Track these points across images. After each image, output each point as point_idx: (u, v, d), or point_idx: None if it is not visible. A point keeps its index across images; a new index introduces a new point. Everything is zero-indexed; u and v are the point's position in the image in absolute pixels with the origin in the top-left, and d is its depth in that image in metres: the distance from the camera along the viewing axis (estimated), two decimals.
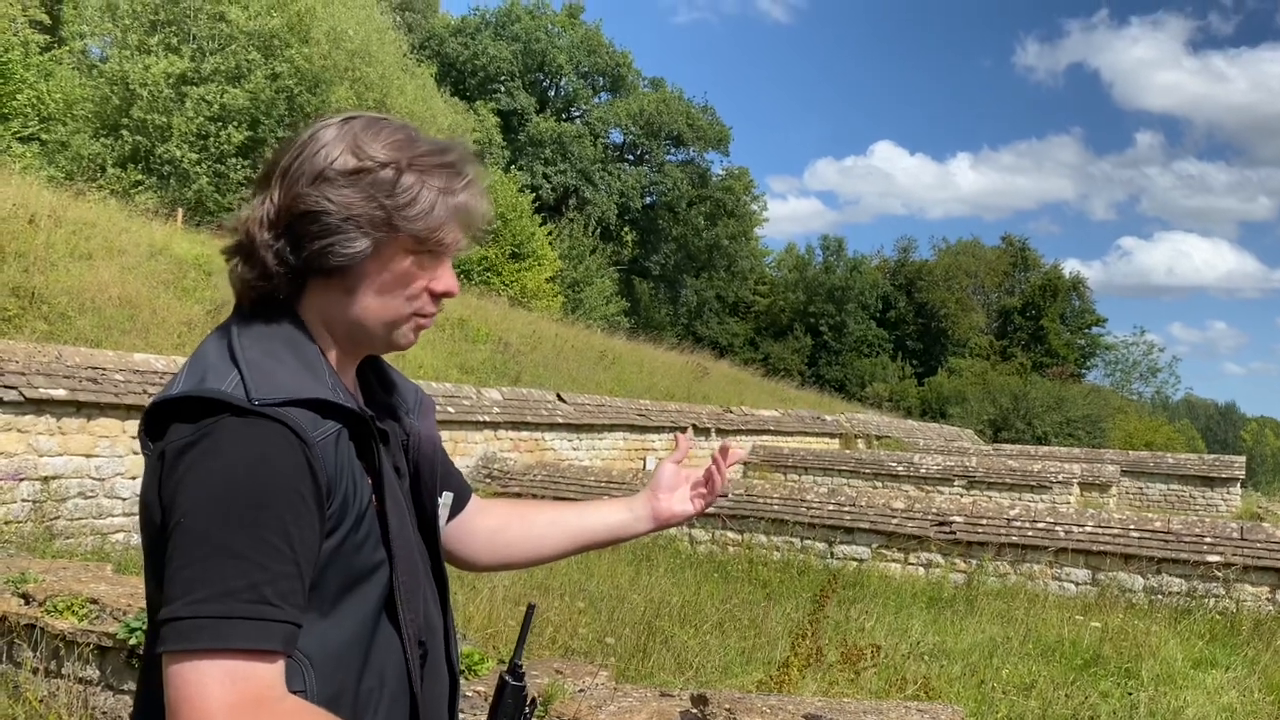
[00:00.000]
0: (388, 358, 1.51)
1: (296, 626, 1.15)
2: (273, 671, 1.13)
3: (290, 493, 1.16)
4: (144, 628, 4.28)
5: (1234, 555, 9.49)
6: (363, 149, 1.27)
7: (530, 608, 1.55)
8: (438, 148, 1.32)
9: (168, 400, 1.21)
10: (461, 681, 1.40)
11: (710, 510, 11.47)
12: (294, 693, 1.18)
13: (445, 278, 1.35)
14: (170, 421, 1.20)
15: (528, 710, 1.44)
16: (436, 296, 1.35)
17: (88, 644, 4.43)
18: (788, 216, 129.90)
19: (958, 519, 10.62)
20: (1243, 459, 23.66)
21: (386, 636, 1.29)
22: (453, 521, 1.60)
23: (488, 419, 13.68)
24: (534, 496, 12.24)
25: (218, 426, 1.17)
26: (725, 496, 1.56)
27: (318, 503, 1.19)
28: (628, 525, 1.70)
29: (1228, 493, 22.19)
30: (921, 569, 10.41)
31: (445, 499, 1.52)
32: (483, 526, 1.66)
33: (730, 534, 11.34)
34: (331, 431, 1.23)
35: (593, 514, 1.70)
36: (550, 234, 35.32)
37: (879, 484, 18.24)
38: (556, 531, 1.68)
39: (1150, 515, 11.06)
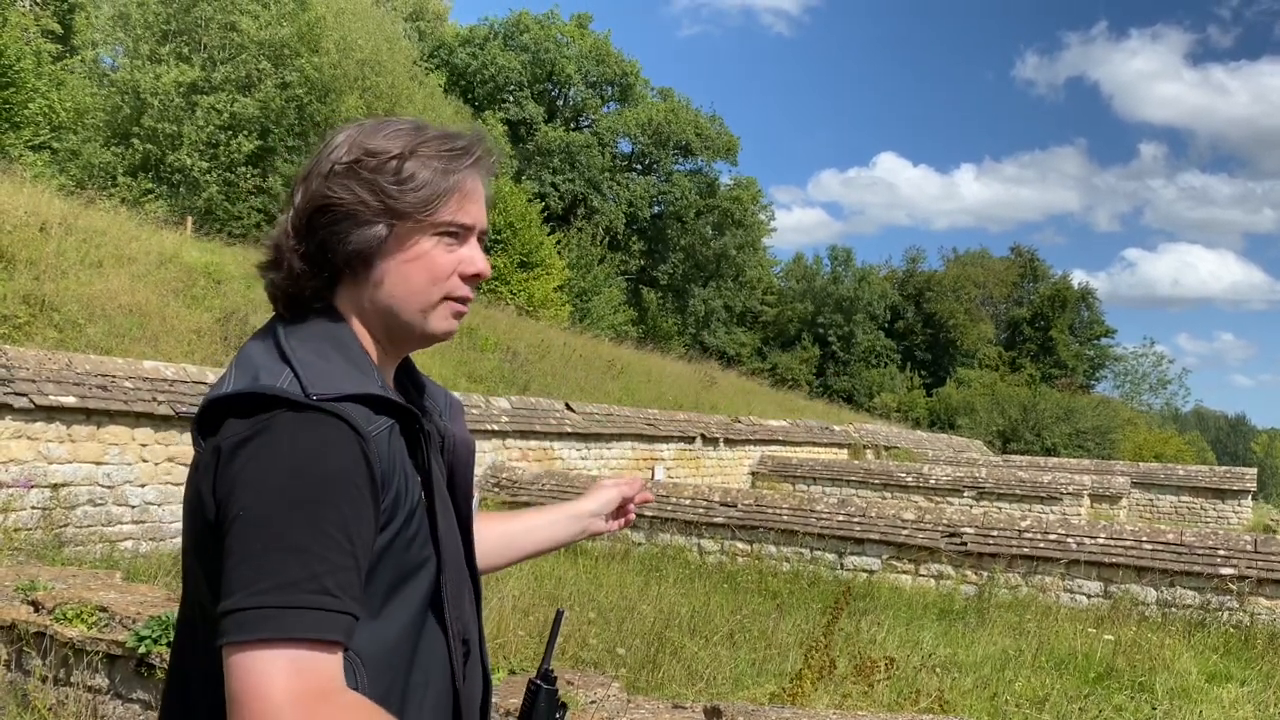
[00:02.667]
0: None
1: (355, 618, 1.15)
2: (334, 663, 1.12)
3: (348, 486, 1.16)
4: (153, 636, 4.25)
5: (1248, 568, 9.42)
6: (364, 142, 1.31)
7: (559, 613, 1.55)
8: (443, 134, 1.35)
9: (222, 398, 1.21)
10: None
11: (720, 520, 11.43)
12: None
13: (475, 260, 1.37)
14: (225, 418, 1.20)
15: (559, 715, 1.44)
16: (467, 279, 1.37)
17: (97, 652, 4.41)
18: (793, 227, 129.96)
19: (969, 530, 10.56)
20: (1254, 471, 23.55)
21: (432, 634, 1.30)
22: None
23: (496, 428, 13.66)
24: (544, 505, 12.20)
25: (274, 421, 1.17)
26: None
27: (374, 497, 1.19)
28: (560, 538, 1.87)
29: (1239, 505, 22.07)
30: (932, 580, 10.35)
31: (476, 498, 1.53)
32: None
33: (740, 544, 11.29)
34: (384, 427, 1.24)
35: (538, 532, 1.85)
36: (558, 243, 35.34)
37: (888, 495, 18.17)
38: (508, 551, 1.80)
39: (1163, 527, 10.98)
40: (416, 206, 1.30)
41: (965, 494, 17.90)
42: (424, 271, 1.33)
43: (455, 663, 1.32)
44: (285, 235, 1.31)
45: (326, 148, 1.33)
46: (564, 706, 1.45)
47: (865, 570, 10.62)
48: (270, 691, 1.07)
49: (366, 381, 1.25)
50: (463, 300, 1.37)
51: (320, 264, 1.30)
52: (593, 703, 3.79)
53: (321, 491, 1.14)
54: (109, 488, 8.75)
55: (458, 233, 1.35)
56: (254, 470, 1.15)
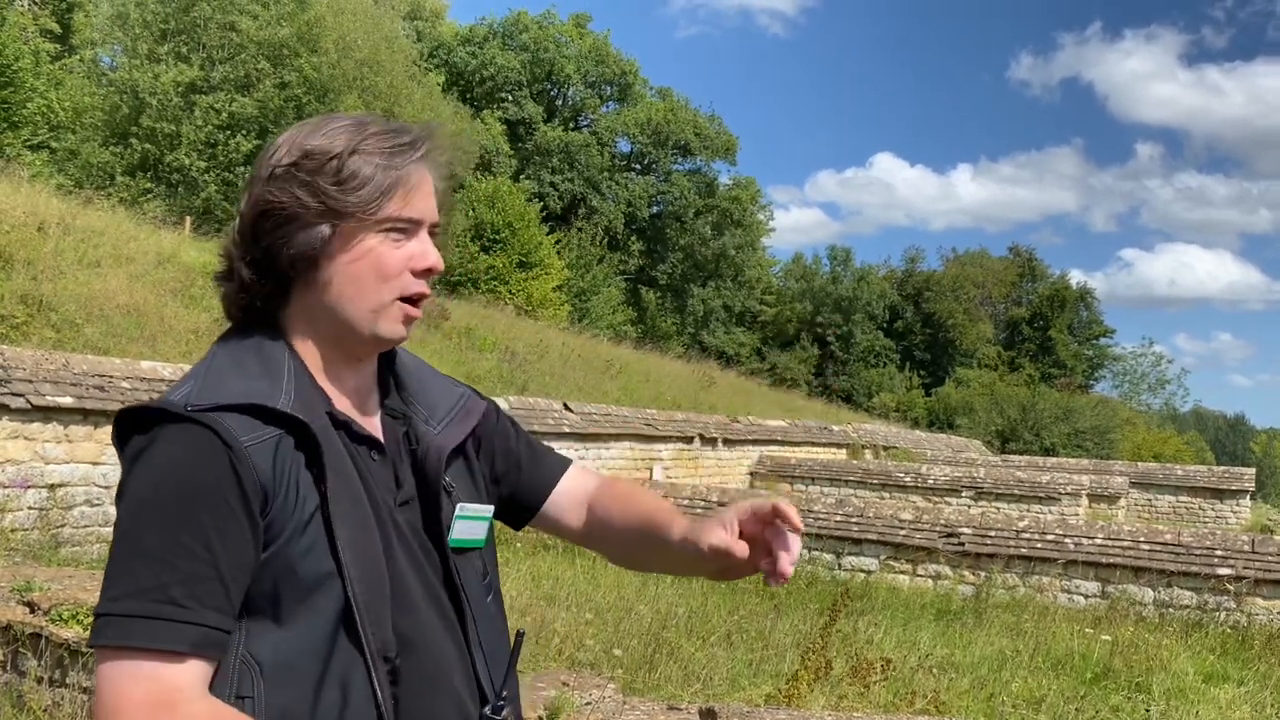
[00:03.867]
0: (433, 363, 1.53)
1: (212, 629, 1.15)
2: (182, 672, 1.13)
3: (211, 495, 1.17)
4: None
5: (1245, 568, 9.42)
6: (304, 143, 1.29)
7: (519, 635, 1.44)
8: (387, 128, 1.32)
9: (124, 411, 1.25)
10: None
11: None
12: (242, 698, 1.18)
13: (427, 254, 1.33)
14: (130, 433, 1.24)
15: None
16: (419, 274, 1.33)
17: (92, 653, 4.40)
18: (790, 227, 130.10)
19: (966, 530, 10.56)
20: (1252, 471, 23.56)
21: (349, 650, 1.24)
22: (551, 498, 1.57)
23: None
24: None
25: (157, 434, 1.20)
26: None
27: (245, 507, 1.18)
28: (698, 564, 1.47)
29: (1237, 505, 22.08)
30: (930, 581, 10.35)
31: (481, 509, 1.44)
32: (578, 521, 1.59)
33: None
34: (269, 438, 1.22)
35: (681, 546, 1.46)
36: (557, 243, 35.34)
37: (886, 495, 18.17)
38: (652, 558, 1.56)
39: (1160, 527, 10.99)
40: (359, 205, 1.27)
41: (963, 494, 17.90)
42: (371, 270, 1.29)
43: (376, 682, 1.24)
44: (233, 244, 1.31)
45: (267, 151, 1.31)
46: None
47: (863, 570, 10.62)
48: (113, 700, 1.11)
49: (267, 391, 1.24)
50: (417, 298, 1.34)
51: (267, 271, 1.29)
52: (588, 704, 3.78)
53: (180, 501, 1.16)
54: (106, 488, 8.74)
55: (405, 228, 1.31)
56: (132, 483, 1.19)
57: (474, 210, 29.93)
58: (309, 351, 1.33)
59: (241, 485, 1.18)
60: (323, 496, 1.25)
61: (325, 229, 1.27)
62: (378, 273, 1.30)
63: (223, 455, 1.18)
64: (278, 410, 1.23)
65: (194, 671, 1.14)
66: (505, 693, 1.38)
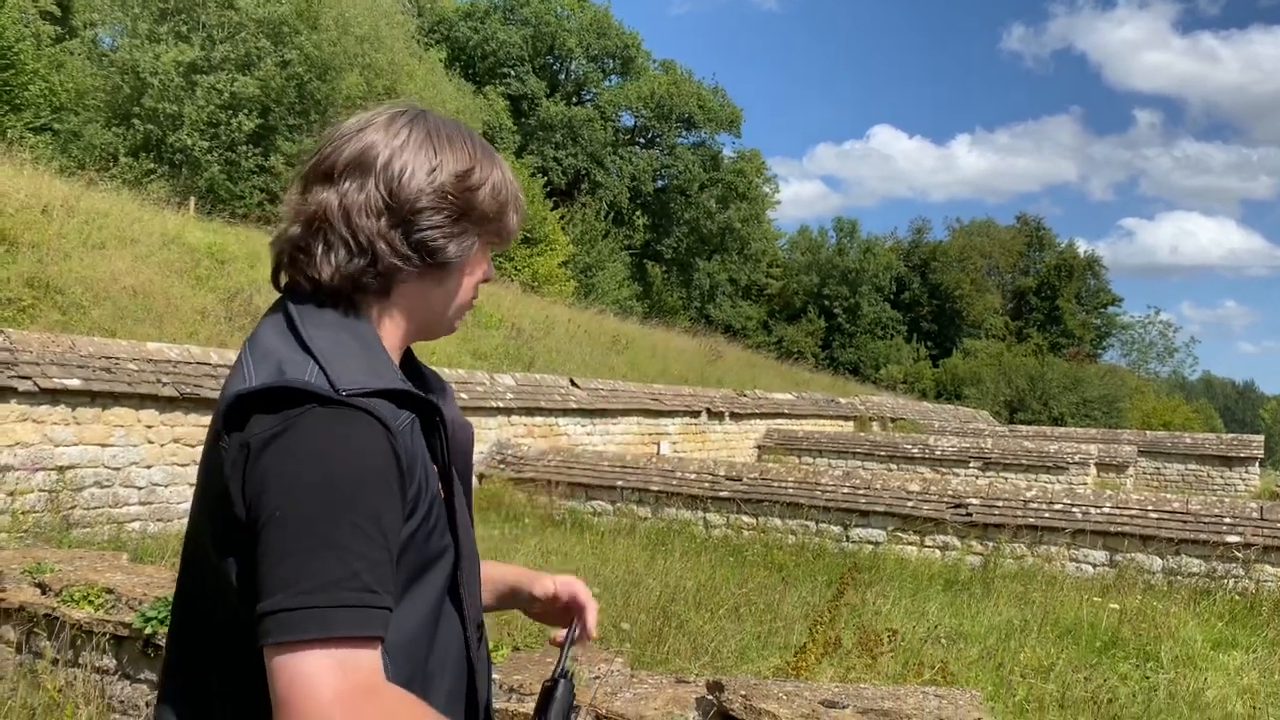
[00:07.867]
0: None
1: (391, 613, 1.17)
2: (376, 658, 1.14)
3: (380, 481, 1.18)
4: (159, 617, 4.27)
5: (1254, 535, 9.42)
6: (466, 154, 1.37)
7: (573, 621, 1.61)
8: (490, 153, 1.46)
9: (249, 393, 1.20)
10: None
11: (725, 494, 11.45)
12: None
13: (490, 265, 1.48)
14: (251, 412, 1.19)
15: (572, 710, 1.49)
16: (481, 283, 1.48)
17: (104, 634, 4.44)
18: (790, 199, 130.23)
19: (974, 501, 10.57)
20: (1261, 438, 23.45)
21: (449, 621, 1.33)
22: None
23: (501, 405, 13.68)
24: (549, 482, 12.24)
25: (306, 416, 1.17)
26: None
27: (401, 490, 1.21)
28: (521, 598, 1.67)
29: (1246, 472, 22.02)
30: (938, 551, 10.37)
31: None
32: None
33: (745, 518, 11.31)
34: (407, 420, 1.26)
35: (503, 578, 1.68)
36: (562, 218, 35.26)
37: (894, 467, 18.18)
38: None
39: (1168, 496, 10.97)
40: (508, 228, 1.43)
41: (971, 465, 17.90)
42: (476, 281, 1.44)
43: (471, 649, 1.35)
44: (367, 216, 1.30)
45: (413, 140, 1.34)
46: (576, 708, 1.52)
47: (870, 542, 10.64)
48: (319, 692, 1.07)
49: (389, 376, 1.27)
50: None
51: (403, 255, 1.32)
52: (596, 678, 3.79)
53: (356, 487, 1.15)
54: (115, 469, 8.78)
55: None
56: (287, 468, 1.14)
57: None
58: (386, 335, 1.35)
59: (400, 468, 1.21)
60: (444, 475, 1.33)
61: (475, 241, 1.38)
62: (475, 280, 1.44)
63: (385, 440, 1.19)
64: (414, 394, 1.28)
65: (380, 656, 1.15)
66: (568, 667, 1.50)
